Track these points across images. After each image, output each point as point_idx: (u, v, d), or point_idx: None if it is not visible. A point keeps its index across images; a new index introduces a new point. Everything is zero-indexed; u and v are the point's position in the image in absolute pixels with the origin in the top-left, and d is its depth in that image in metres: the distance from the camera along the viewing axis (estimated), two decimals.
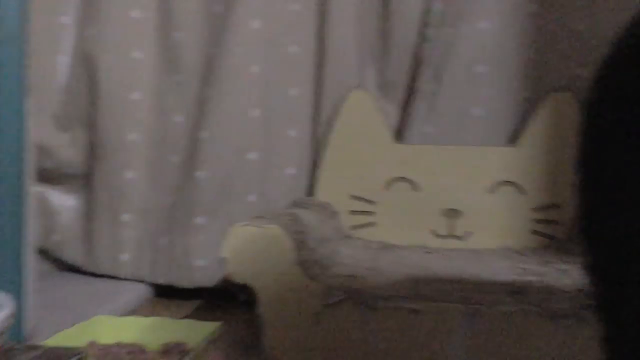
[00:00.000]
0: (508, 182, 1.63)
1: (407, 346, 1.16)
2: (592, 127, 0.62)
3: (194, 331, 0.96)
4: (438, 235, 1.65)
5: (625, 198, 0.56)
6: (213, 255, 1.58)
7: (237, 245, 1.17)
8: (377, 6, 1.73)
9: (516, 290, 1.19)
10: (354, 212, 1.66)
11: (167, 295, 1.68)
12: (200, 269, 1.60)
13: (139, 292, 1.66)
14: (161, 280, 1.67)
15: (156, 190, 1.68)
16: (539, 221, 1.62)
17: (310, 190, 1.71)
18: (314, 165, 1.71)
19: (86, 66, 1.69)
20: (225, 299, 1.56)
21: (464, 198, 1.64)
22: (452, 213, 1.64)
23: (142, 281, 1.69)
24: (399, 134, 1.72)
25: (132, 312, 1.55)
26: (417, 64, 1.71)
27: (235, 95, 1.61)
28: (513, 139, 1.67)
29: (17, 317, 0.90)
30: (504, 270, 1.35)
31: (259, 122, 1.63)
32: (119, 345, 0.94)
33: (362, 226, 1.66)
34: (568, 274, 1.29)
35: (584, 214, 0.61)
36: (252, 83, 1.62)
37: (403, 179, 1.66)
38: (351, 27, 1.70)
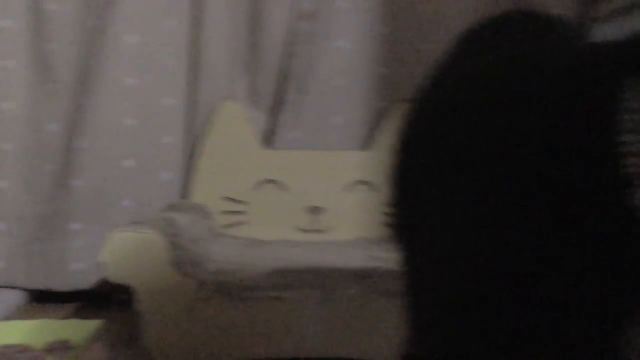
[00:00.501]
0: (364, 182, 1.85)
1: (272, 330, 1.33)
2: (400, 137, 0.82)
3: (77, 330, 1.06)
4: (303, 230, 1.84)
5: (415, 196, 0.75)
6: (90, 259, 1.66)
7: (116, 250, 1.28)
8: (248, 24, 1.88)
9: (364, 275, 1.39)
10: (226, 213, 1.81)
11: (44, 300, 1.72)
12: (77, 273, 1.66)
13: (14, 298, 1.68)
14: (37, 285, 1.70)
15: (31, 198, 1.70)
16: (389, 215, 1.86)
17: (185, 194, 1.83)
18: (189, 170, 1.84)
19: None
20: (102, 301, 1.64)
21: (325, 197, 1.85)
22: (316, 210, 1.84)
23: (16, 288, 1.71)
24: (268, 140, 1.89)
25: (8, 318, 1.58)
26: (283, 77, 1.89)
27: (111, 106, 1.68)
28: (368, 143, 1.90)
29: None
30: (357, 259, 1.55)
31: (134, 130, 1.72)
32: (6, 347, 1.01)
33: (234, 225, 1.81)
34: None
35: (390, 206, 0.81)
36: (128, 94, 1.70)
37: (271, 181, 1.83)
38: (223, 42, 1.84)
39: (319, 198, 1.84)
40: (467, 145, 0.65)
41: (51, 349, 1.00)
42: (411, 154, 0.82)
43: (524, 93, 0.56)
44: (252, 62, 1.89)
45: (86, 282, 1.66)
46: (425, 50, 1.89)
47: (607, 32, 1.55)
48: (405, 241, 0.86)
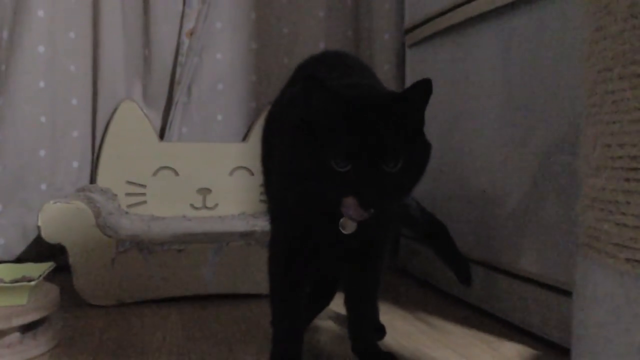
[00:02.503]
0: (242, 167, 2.29)
1: (177, 275, 1.72)
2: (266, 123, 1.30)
3: (33, 269, 1.38)
4: (195, 208, 2.24)
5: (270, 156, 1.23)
6: (13, 235, 1.94)
7: (49, 216, 1.60)
8: (141, 36, 2.24)
9: (246, 234, 1.83)
10: (129, 194, 2.16)
11: None
12: (1, 247, 1.93)
13: None
14: None
15: None
16: (264, 193, 2.32)
17: (93, 179, 2.16)
18: (95, 159, 2.16)
19: None
20: None
21: (212, 180, 2.25)
22: (204, 191, 2.25)
23: None
24: (162, 134, 2.27)
25: None
26: (173, 82, 2.27)
27: (25, 105, 1.95)
28: (244, 136, 2.35)
29: None
30: (240, 225, 1.99)
31: (46, 126, 2.00)
32: None
33: (136, 204, 2.17)
34: None
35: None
36: (39, 95, 1.97)
37: (166, 167, 2.21)
38: (120, 52, 2.17)
39: (206, 181, 2.25)
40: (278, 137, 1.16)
41: (17, 281, 1.32)
42: (266, 139, 1.33)
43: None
44: (146, 70, 2.26)
45: (10, 254, 1.93)
46: (287, 62, 2.38)
47: (418, 55, 2.15)
48: (267, 193, 1.36)
